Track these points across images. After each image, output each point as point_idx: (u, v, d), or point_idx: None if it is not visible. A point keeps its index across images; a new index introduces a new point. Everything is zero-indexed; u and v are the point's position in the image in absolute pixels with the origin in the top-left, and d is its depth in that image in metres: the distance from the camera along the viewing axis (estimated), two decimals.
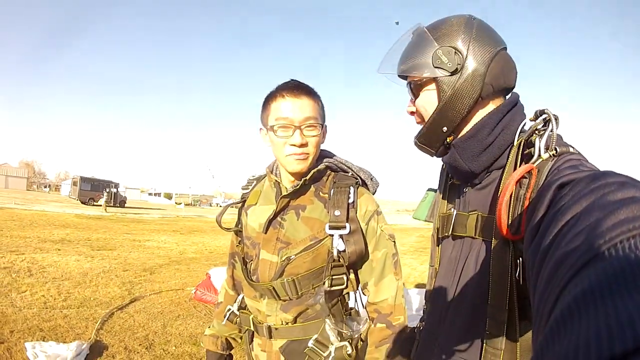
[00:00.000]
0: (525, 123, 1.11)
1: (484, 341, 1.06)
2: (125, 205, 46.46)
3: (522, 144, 1.06)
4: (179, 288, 7.47)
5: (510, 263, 1.01)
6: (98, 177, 47.59)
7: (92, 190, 43.21)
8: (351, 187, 1.57)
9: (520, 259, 0.99)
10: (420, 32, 1.17)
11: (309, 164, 1.57)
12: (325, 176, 1.66)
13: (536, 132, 1.04)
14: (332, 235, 1.51)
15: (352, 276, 1.63)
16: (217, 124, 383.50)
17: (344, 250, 1.49)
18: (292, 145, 1.50)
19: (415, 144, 1.27)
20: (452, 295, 1.22)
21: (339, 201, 1.53)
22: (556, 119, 1.01)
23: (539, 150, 0.99)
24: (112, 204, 40.54)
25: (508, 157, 1.09)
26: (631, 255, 0.41)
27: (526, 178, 0.95)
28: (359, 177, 1.68)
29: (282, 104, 1.50)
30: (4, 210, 21.14)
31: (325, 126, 1.64)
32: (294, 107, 1.50)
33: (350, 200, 1.54)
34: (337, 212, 1.50)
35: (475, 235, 1.16)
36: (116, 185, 45.83)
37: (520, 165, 1.04)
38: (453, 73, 1.09)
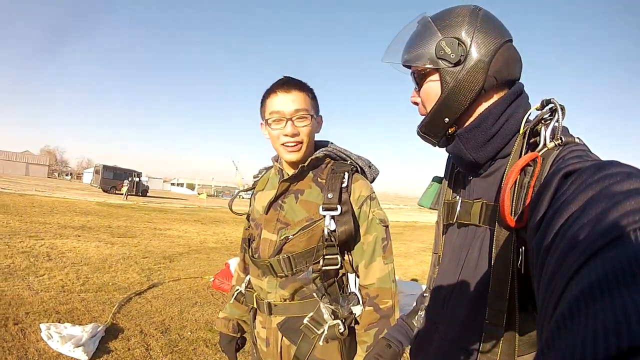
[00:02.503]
0: (530, 113, 1.10)
1: (484, 330, 1.05)
2: (148, 194, 47.04)
3: (527, 133, 1.05)
4: (198, 276, 7.49)
5: (513, 251, 1.00)
6: (121, 166, 48.12)
7: (114, 178, 43.88)
8: (346, 173, 1.69)
9: (523, 247, 0.97)
10: (425, 21, 1.15)
11: (303, 152, 1.70)
12: (324, 164, 1.77)
13: (542, 121, 1.02)
14: (325, 217, 1.62)
15: (348, 258, 1.73)
16: (243, 116, 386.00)
17: (335, 231, 1.60)
18: (285, 135, 1.65)
19: (418, 133, 1.25)
20: (454, 283, 1.21)
21: (332, 185, 1.64)
22: (562, 109, 0.99)
23: (545, 139, 0.98)
24: (134, 193, 40.96)
25: (514, 145, 1.08)
26: (638, 247, 0.40)
27: (531, 166, 0.95)
28: (357, 165, 1.79)
29: (275, 100, 1.66)
30: (25, 196, 21.61)
31: (320, 116, 1.80)
32: (285, 101, 1.65)
33: (344, 185, 1.66)
34: (329, 195, 1.62)
35: (479, 223, 1.15)
36: (138, 175, 46.23)
37: (525, 154, 1.02)
38: (456, 64, 1.08)
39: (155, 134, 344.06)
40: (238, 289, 2.01)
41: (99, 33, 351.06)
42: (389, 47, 1.23)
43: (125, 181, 39.04)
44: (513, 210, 0.96)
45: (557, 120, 0.97)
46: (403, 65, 1.21)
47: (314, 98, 1.74)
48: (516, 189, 0.96)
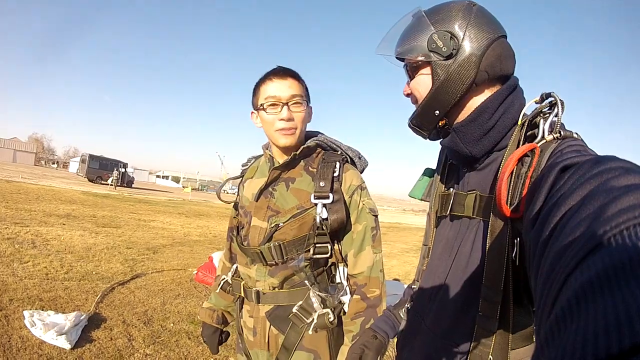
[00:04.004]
0: (528, 106, 1.10)
1: (477, 323, 1.05)
2: (133, 185, 46.65)
3: (525, 125, 1.05)
4: (181, 268, 7.51)
5: (507, 242, 0.99)
6: (107, 156, 47.66)
7: (100, 168, 43.26)
8: (337, 163, 1.71)
9: (518, 238, 0.97)
10: (419, 15, 1.16)
11: (296, 138, 1.71)
12: (315, 153, 1.80)
13: (541, 114, 1.03)
14: (317, 205, 1.63)
15: (338, 247, 1.73)
16: (230, 110, 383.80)
17: (326, 219, 1.61)
18: (280, 120, 1.65)
19: (409, 125, 1.27)
20: (445, 275, 1.21)
21: (324, 174, 1.66)
22: (562, 103, 0.99)
23: (543, 132, 0.98)
24: (119, 184, 40.61)
25: (511, 138, 1.08)
26: (638, 243, 0.40)
27: (528, 157, 0.95)
28: (347, 155, 1.81)
29: (270, 85, 1.67)
30: (11, 183, 21.29)
31: (310, 107, 1.80)
32: (281, 87, 1.66)
33: (336, 174, 1.68)
34: (322, 183, 1.64)
35: (473, 214, 1.15)
36: (124, 165, 45.75)
37: (523, 145, 1.02)
38: (447, 57, 1.09)
39: (143, 126, 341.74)
40: (224, 278, 1.98)
41: (89, 24, 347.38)
42: (383, 40, 1.24)
43: (114, 171, 38.72)
44: (509, 200, 0.95)
45: (557, 115, 0.98)
46: (396, 57, 1.23)
47: (306, 88, 1.76)
48: (513, 179, 0.96)
